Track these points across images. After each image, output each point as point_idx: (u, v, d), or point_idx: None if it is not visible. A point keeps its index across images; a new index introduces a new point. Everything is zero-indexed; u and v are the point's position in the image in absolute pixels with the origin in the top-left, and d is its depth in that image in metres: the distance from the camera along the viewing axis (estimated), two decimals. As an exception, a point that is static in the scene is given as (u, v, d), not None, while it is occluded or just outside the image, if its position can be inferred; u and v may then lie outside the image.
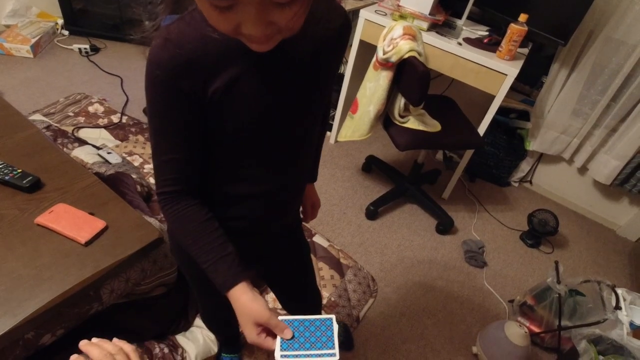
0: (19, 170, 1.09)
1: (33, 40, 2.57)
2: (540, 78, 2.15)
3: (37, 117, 2.04)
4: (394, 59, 1.49)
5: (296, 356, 0.61)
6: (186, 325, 1.31)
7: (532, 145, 2.21)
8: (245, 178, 0.70)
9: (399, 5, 1.86)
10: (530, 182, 2.44)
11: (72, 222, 1.01)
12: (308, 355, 0.61)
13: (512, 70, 1.69)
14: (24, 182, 1.06)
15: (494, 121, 2.24)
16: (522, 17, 1.65)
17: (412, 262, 1.83)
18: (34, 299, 0.86)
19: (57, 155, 1.21)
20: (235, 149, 0.66)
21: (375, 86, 1.64)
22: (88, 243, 0.98)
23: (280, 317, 0.64)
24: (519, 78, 2.20)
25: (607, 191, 2.24)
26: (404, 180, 2.09)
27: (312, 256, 1.71)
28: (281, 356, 0.61)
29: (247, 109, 0.60)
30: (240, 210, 0.75)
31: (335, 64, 0.72)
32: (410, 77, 1.49)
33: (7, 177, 1.06)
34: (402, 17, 1.85)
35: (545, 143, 2.17)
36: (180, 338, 1.24)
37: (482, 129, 1.86)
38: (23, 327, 0.84)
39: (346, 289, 1.63)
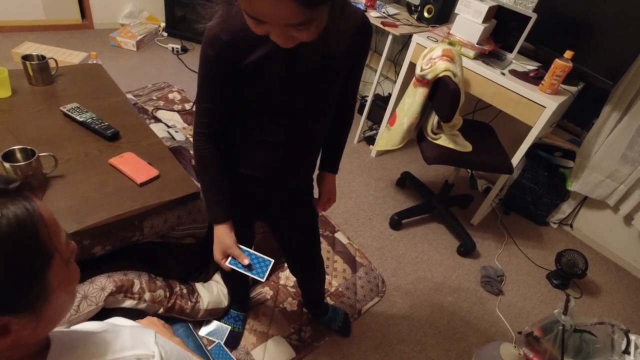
0: (106, 124, 1.39)
1: (139, 37, 3.08)
2: (592, 120, 2.11)
3: (128, 96, 2.45)
4: (429, 76, 1.62)
5: (238, 267, 0.87)
6: (205, 277, 1.50)
7: (574, 186, 2.15)
8: (262, 134, 0.88)
9: (449, 33, 1.99)
10: (571, 225, 2.34)
11: (134, 167, 1.27)
12: (245, 271, 0.86)
13: (551, 103, 1.72)
14: (108, 132, 1.36)
15: (536, 156, 2.24)
16: (568, 54, 1.70)
17: (425, 275, 1.88)
18: (95, 215, 1.11)
19: (134, 118, 1.52)
20: (256, 110, 0.85)
21: (411, 101, 1.77)
22: (142, 184, 1.23)
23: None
24: (568, 117, 2.21)
25: (656, 248, 2.10)
26: (433, 197, 2.15)
27: (330, 248, 1.85)
28: (228, 263, 0.88)
29: (269, 81, 0.79)
30: (257, 159, 0.92)
31: (352, 65, 0.88)
32: (442, 94, 1.60)
33: (96, 127, 1.37)
34: (452, 44, 1.97)
35: (587, 185, 2.10)
36: (198, 285, 1.44)
37: (516, 158, 1.89)
38: (83, 233, 1.09)
39: (355, 284, 1.73)
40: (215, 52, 0.75)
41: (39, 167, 1.12)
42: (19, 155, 1.09)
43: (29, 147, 1.09)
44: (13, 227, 0.39)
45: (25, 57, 1.45)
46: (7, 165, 1.03)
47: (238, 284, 1.44)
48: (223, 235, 0.88)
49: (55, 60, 1.55)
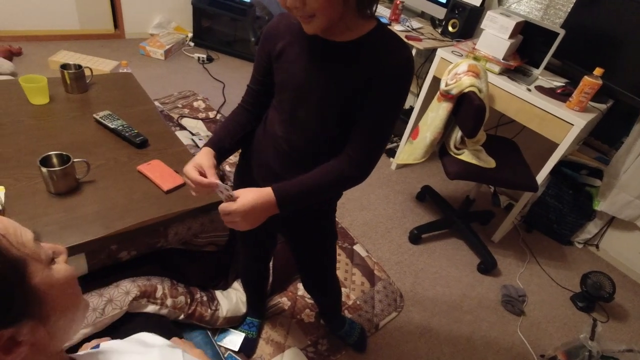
0: (135, 131, 1.44)
1: (167, 47, 3.18)
2: (621, 138, 2.06)
3: (155, 104, 2.52)
4: (454, 91, 1.61)
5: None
6: (225, 285, 1.52)
7: (601, 206, 2.09)
8: (272, 127, 0.92)
9: (474, 48, 1.98)
10: (597, 246, 2.27)
11: (161, 174, 1.30)
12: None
13: (579, 121, 1.69)
14: (137, 139, 1.40)
15: (561, 174, 2.18)
16: (597, 71, 1.66)
17: (444, 291, 1.85)
18: (122, 220, 1.14)
19: (162, 127, 1.56)
20: (274, 103, 0.92)
21: (435, 116, 1.77)
22: (168, 192, 1.26)
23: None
24: (595, 135, 2.16)
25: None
26: (454, 213, 2.12)
27: (348, 261, 1.84)
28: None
29: (286, 77, 0.85)
30: (262, 151, 0.95)
31: (371, 98, 0.78)
32: (466, 109, 1.59)
33: (126, 134, 1.41)
34: (476, 59, 1.97)
35: (615, 205, 2.04)
36: (218, 293, 1.45)
37: (541, 176, 1.85)
38: (110, 238, 1.12)
39: (373, 297, 1.72)
40: (262, 41, 0.88)
41: (72, 173, 1.16)
42: (55, 160, 1.14)
43: (64, 153, 1.14)
44: None
45: (63, 66, 1.51)
46: (44, 170, 1.08)
47: (255, 288, 1.45)
48: (202, 152, 0.87)
49: (91, 70, 1.62)
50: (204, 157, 0.85)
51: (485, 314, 1.79)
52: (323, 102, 0.82)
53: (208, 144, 0.91)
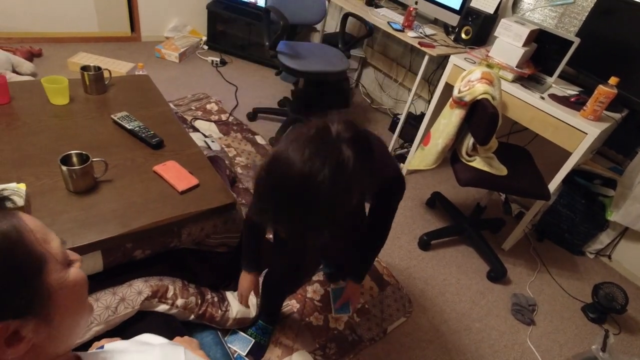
0: (152, 132, 1.47)
1: (181, 50, 3.23)
2: (636, 148, 2.03)
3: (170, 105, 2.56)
4: (467, 98, 1.61)
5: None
6: (235, 286, 1.53)
7: (614, 216, 2.06)
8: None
9: (487, 55, 1.99)
10: (609, 257, 2.24)
11: (176, 175, 1.33)
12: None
13: (593, 130, 1.68)
14: (153, 140, 1.43)
15: (574, 183, 2.17)
16: (613, 80, 1.65)
17: (453, 298, 1.84)
18: (139, 220, 1.17)
19: (177, 128, 1.59)
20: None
21: (447, 122, 1.77)
22: (183, 192, 1.28)
23: None
24: (609, 144, 2.13)
25: None
26: (464, 220, 2.11)
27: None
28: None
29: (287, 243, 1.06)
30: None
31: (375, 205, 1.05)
32: (480, 116, 1.59)
33: (143, 135, 1.44)
34: (490, 66, 1.97)
35: (629, 216, 2.01)
36: (228, 294, 1.47)
37: (553, 184, 1.84)
38: (127, 236, 1.14)
39: (382, 302, 1.72)
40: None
41: (91, 172, 1.19)
42: (74, 159, 1.17)
43: (84, 153, 1.17)
44: None
45: (84, 68, 1.55)
46: (64, 168, 1.11)
47: (274, 296, 1.46)
48: (242, 280, 1.26)
49: (109, 71, 1.66)
50: (243, 283, 1.27)
51: (495, 322, 1.77)
52: (331, 241, 1.01)
53: (244, 268, 1.26)
